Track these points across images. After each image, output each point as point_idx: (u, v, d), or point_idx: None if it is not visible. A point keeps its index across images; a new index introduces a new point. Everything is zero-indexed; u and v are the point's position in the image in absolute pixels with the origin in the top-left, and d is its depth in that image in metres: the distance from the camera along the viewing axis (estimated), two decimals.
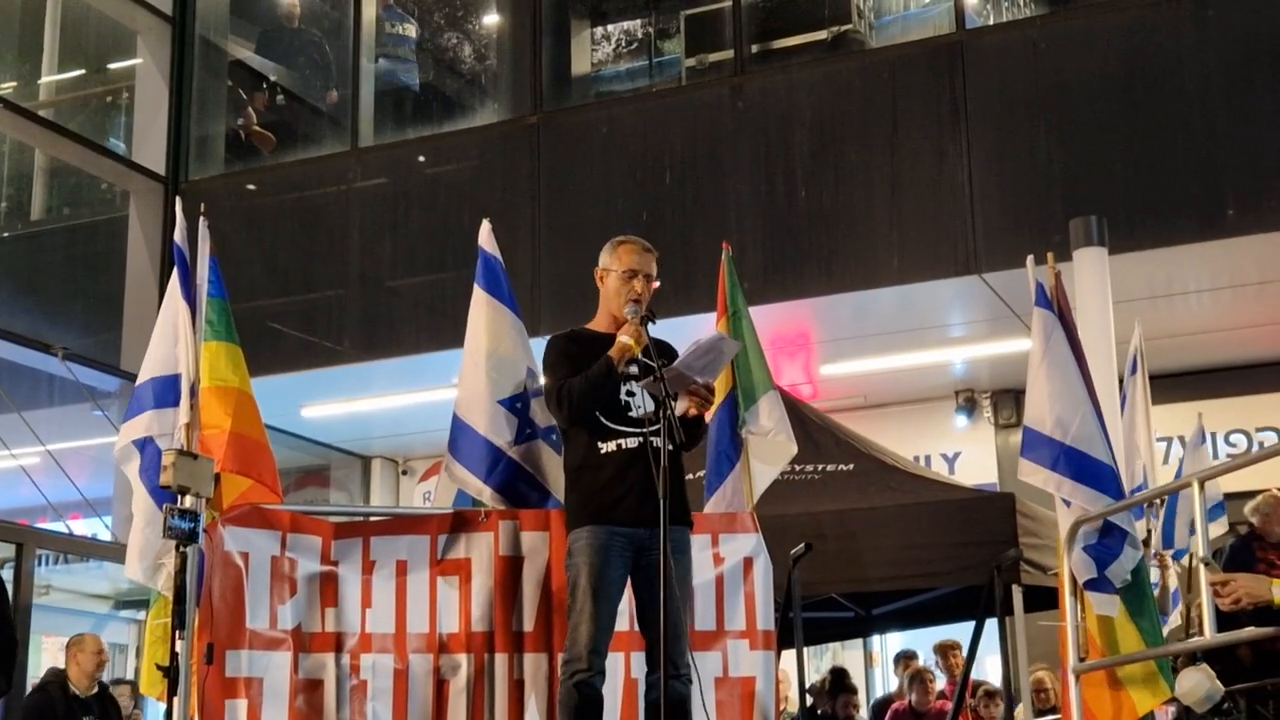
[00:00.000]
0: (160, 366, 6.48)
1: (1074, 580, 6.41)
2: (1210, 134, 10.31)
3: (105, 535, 12.73)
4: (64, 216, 14.91)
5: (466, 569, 6.17)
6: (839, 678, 11.70)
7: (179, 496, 5.73)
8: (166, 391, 6.43)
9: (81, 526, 13.15)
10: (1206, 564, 5.18)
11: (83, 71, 14.98)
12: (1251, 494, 9.12)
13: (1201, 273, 10.92)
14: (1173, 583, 9.17)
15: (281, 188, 13.35)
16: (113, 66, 14.85)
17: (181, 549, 5.69)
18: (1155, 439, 12.21)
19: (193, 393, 6.35)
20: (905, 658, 11.84)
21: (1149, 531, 8.83)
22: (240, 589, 5.95)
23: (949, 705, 10.38)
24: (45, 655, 13.07)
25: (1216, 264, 10.67)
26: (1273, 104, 10.19)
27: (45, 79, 14.46)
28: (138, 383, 6.56)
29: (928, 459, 13.01)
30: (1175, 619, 9.07)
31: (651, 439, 5.56)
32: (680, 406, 5.56)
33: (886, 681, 14.10)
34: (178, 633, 5.74)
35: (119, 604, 14.41)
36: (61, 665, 10.07)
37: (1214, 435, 12.63)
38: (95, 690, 10.06)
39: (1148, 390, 9.34)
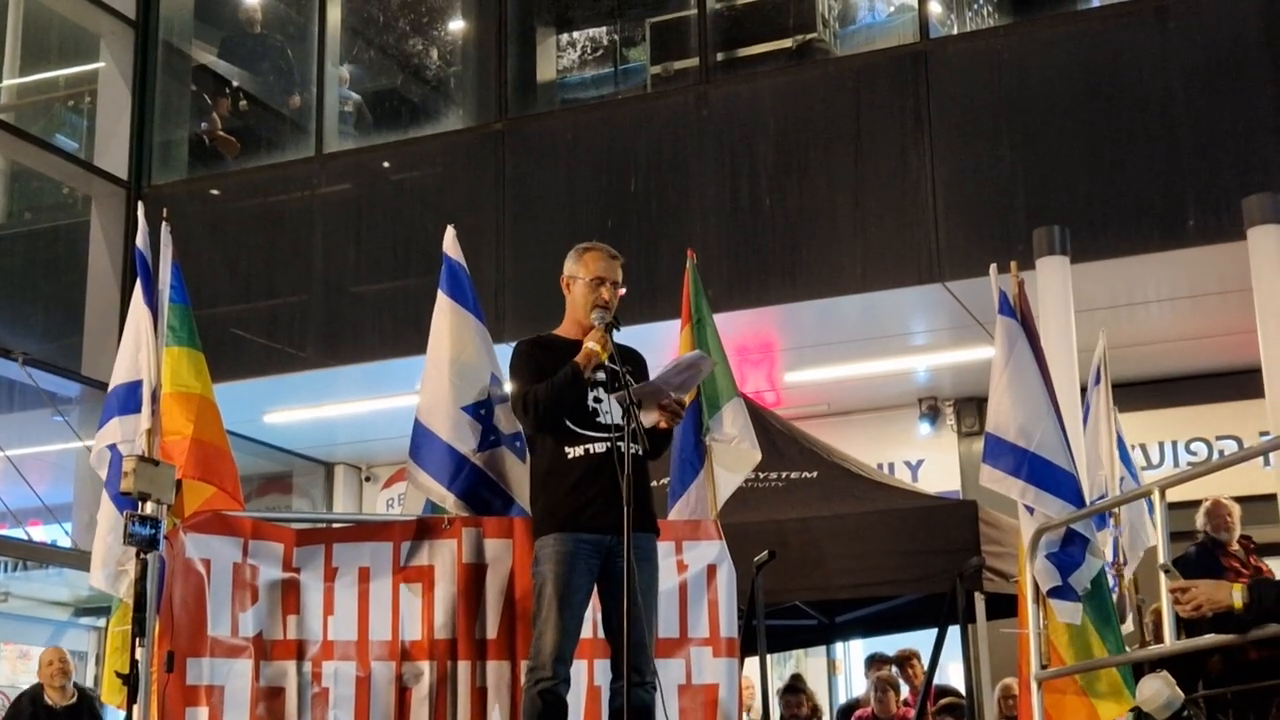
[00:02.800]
0: (126, 373, 6.47)
1: (1036, 588, 6.45)
2: (1171, 144, 10.38)
3: (65, 542, 12.63)
4: (25, 221, 14.82)
5: (429, 576, 6.15)
6: (791, 682, 11.74)
7: (140, 503, 5.70)
8: (129, 398, 6.41)
9: (41, 533, 13.05)
10: (1167, 571, 5.20)
11: (44, 75, 14.89)
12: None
13: (1162, 282, 10.99)
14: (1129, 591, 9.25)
15: (245, 193, 13.29)
16: (75, 70, 14.76)
17: (142, 556, 5.66)
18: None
19: (154, 398, 6.33)
20: (876, 661, 11.83)
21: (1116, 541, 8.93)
22: (201, 596, 5.91)
23: (912, 713, 10.40)
24: (4, 663, 12.99)
25: (1177, 273, 10.74)
26: (1233, 115, 10.26)
27: (6, 82, 14.36)
28: (109, 390, 6.57)
29: (891, 467, 13.04)
30: (1129, 625, 9.13)
31: (618, 444, 5.56)
32: (650, 419, 5.58)
33: (850, 688, 14.13)
34: (138, 640, 5.71)
35: (79, 611, 14.32)
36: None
37: (1174, 444, 12.74)
38: (73, 699, 10.07)
39: (1111, 401, 9.40)
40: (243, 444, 12.64)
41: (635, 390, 5.50)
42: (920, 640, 10.81)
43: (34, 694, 10.08)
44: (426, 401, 6.50)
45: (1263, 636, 4.95)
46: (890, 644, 11.92)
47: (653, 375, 5.68)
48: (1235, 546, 8.99)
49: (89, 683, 12.98)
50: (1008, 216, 10.54)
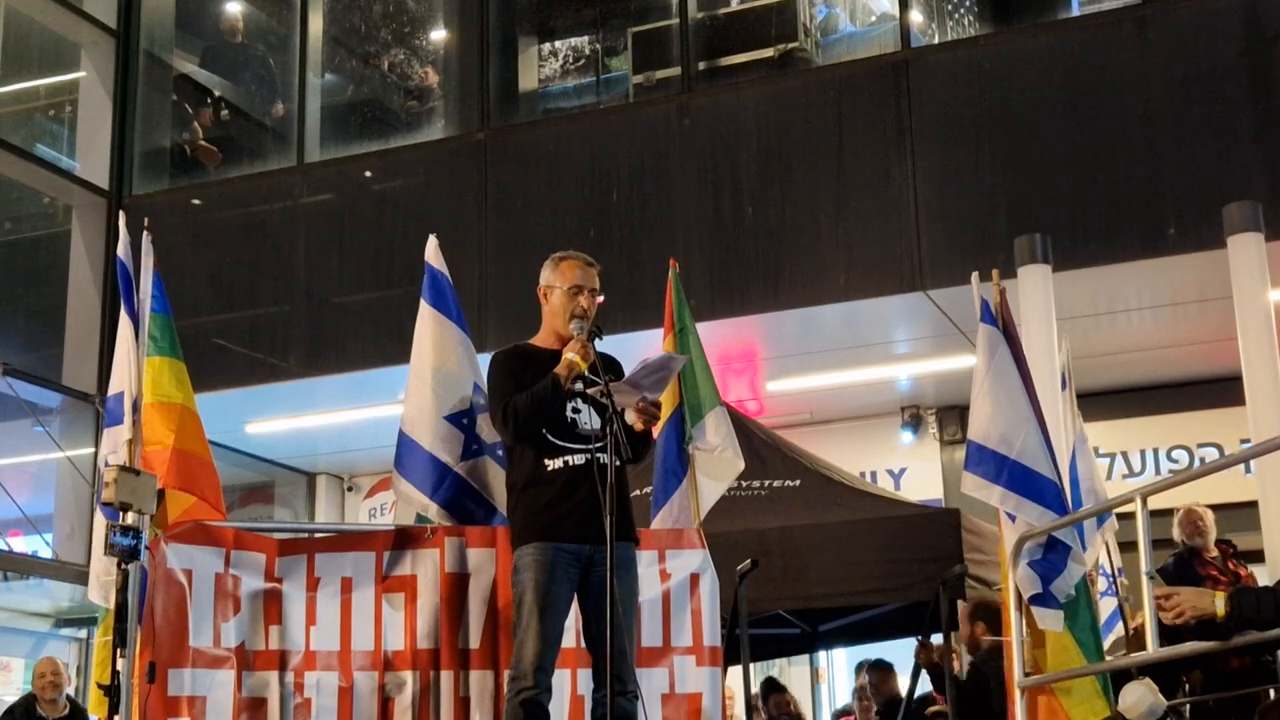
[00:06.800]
0: (114, 385, 6.47)
1: (1019, 595, 6.45)
2: (1151, 153, 10.42)
3: (46, 553, 12.59)
4: (5, 231, 14.78)
5: (412, 586, 6.14)
6: (767, 685, 11.70)
7: (121, 513, 5.69)
8: (116, 409, 6.41)
9: (21, 544, 13.00)
10: (1152, 578, 5.22)
11: (25, 84, 14.85)
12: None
13: (1143, 290, 11.02)
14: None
15: (227, 203, 13.27)
16: (56, 80, 14.73)
17: (124, 566, 5.64)
18: (1098, 455, 12.34)
19: (135, 408, 6.32)
20: (861, 669, 11.81)
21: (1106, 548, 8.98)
22: (183, 606, 5.90)
23: None
24: None
25: (1158, 282, 10.78)
26: (1212, 123, 10.31)
27: None
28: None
29: (873, 475, 13.04)
30: (1117, 632, 9.17)
31: (599, 456, 5.56)
32: (626, 418, 5.57)
33: (833, 697, 14.14)
34: (119, 651, 5.69)
35: (59, 622, 14.27)
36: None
37: (1156, 451, 12.77)
38: (65, 712, 10.04)
39: (1074, 406, 9.42)
40: (224, 454, 12.61)
41: (606, 394, 5.49)
42: (904, 648, 10.83)
43: (26, 705, 10.04)
44: (410, 411, 6.50)
45: (1245, 644, 4.96)
46: (877, 652, 11.93)
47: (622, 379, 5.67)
48: (1213, 552, 9.04)
49: (70, 693, 12.92)
50: (989, 225, 10.56)
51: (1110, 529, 9.30)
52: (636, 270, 10.83)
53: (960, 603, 8.37)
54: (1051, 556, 6.43)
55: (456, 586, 6.13)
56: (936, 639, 8.17)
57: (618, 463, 5.44)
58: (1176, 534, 9.13)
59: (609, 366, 5.78)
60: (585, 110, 13.06)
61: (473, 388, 6.51)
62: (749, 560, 7.00)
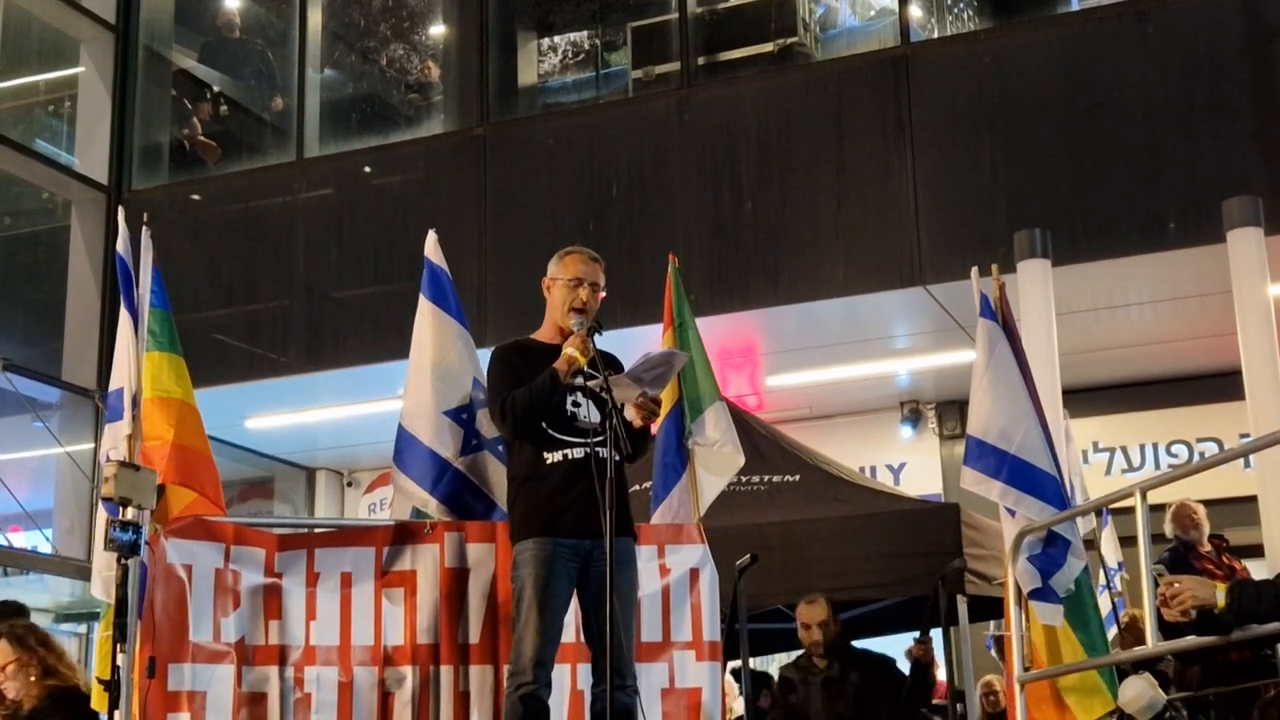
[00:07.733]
0: (113, 380, 6.48)
1: (1019, 590, 6.46)
2: (1151, 148, 10.41)
3: (46, 548, 12.59)
4: (4, 226, 14.77)
5: (412, 581, 6.15)
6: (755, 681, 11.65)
7: (120, 508, 5.69)
8: (114, 404, 6.42)
9: (21, 539, 13.00)
10: (1159, 573, 5.22)
11: (24, 80, 14.84)
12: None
13: (1143, 285, 11.02)
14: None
15: (226, 198, 13.26)
16: (55, 75, 14.72)
17: (123, 561, 5.65)
18: (1096, 450, 12.35)
19: (135, 403, 6.32)
20: None
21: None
22: (183, 601, 5.90)
23: None
24: None
25: (1158, 276, 10.77)
26: (1212, 118, 10.31)
27: None
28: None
29: (873, 470, 13.05)
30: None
31: (598, 450, 5.56)
32: (625, 413, 5.56)
33: None
34: (119, 646, 5.69)
35: (59, 617, 14.26)
36: None
37: (1155, 446, 12.78)
38: None
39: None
40: (224, 449, 12.62)
41: (605, 389, 5.49)
42: (902, 644, 10.82)
43: None
44: (409, 406, 6.50)
45: (1245, 639, 4.97)
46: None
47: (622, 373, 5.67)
48: (1207, 547, 9.06)
49: None
50: (989, 220, 10.56)
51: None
52: (636, 265, 10.82)
53: (808, 604, 8.35)
54: (1051, 551, 6.44)
55: (456, 581, 6.13)
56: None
57: (616, 458, 5.44)
58: (1169, 529, 9.13)
59: (609, 363, 5.77)
60: (584, 105, 13.06)
61: (472, 383, 6.51)
62: (748, 555, 6.99)
